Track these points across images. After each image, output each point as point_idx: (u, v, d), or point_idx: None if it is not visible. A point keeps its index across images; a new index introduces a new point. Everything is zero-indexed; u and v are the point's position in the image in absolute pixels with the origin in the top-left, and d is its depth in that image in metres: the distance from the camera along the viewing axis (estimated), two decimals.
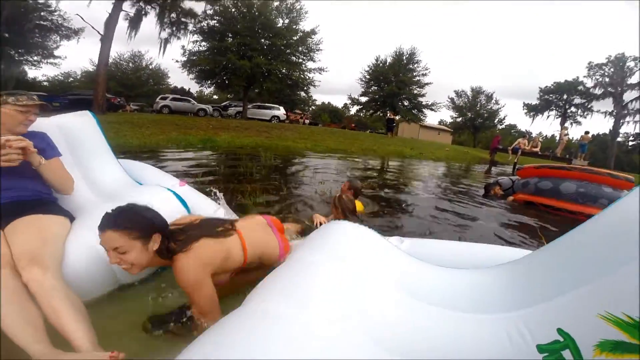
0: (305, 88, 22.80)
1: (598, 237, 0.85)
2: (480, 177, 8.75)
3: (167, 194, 1.81)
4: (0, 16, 13.90)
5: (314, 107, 46.21)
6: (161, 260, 1.22)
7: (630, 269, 0.72)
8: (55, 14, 19.80)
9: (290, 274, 0.93)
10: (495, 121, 36.63)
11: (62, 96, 17.91)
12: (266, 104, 22.32)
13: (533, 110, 33.14)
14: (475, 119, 36.05)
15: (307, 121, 27.23)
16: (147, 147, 7.16)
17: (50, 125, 1.80)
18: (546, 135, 43.49)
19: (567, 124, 29.63)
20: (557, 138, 16.66)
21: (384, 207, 3.90)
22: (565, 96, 31.29)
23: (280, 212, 3.14)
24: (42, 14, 19.21)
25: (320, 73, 21.66)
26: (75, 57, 53.36)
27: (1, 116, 1.42)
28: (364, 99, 29.85)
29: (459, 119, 38.03)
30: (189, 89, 38.69)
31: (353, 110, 36.09)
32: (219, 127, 11.85)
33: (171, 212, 1.65)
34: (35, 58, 22.02)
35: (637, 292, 0.68)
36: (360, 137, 16.23)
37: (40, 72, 43.77)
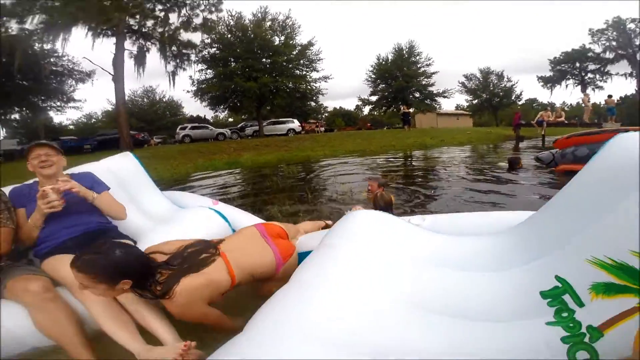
0: (314, 98, 23.16)
1: (583, 190, 0.97)
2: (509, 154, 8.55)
3: (209, 212, 2.04)
4: (14, 66, 14.35)
5: (326, 114, 46.50)
6: None
7: (612, 214, 0.82)
8: (64, 59, 20.13)
9: (317, 255, 1.15)
10: (513, 98, 35.35)
11: (92, 138, 19.16)
12: (280, 119, 22.76)
13: (549, 82, 31.85)
14: (492, 99, 34.99)
15: (322, 129, 27.44)
16: (179, 177, 7.54)
17: (100, 167, 2.09)
18: (571, 104, 41.45)
19: (588, 91, 28.27)
20: (583, 105, 15.92)
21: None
22: (577, 64, 30.01)
23: (307, 215, 3.29)
24: (51, 60, 19.40)
25: (325, 81, 22.00)
26: (93, 99, 55.74)
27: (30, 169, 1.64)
28: (374, 98, 29.88)
29: (475, 101, 37.06)
30: (205, 115, 39.98)
31: (366, 110, 36.10)
32: (241, 149, 12.25)
33: (216, 227, 1.92)
34: (58, 103, 22.66)
35: (619, 235, 0.77)
36: (377, 135, 16.22)
37: (64, 116, 46.31)
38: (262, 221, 2.09)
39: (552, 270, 0.87)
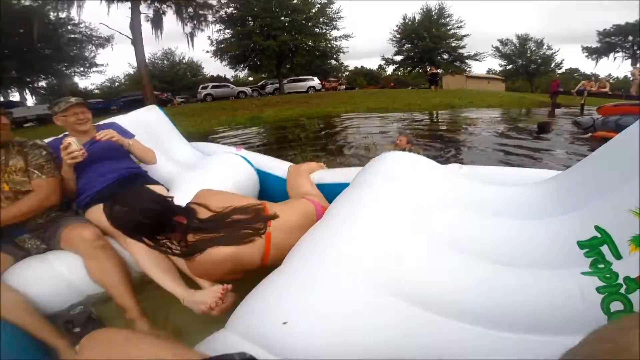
0: (334, 56, 22.72)
1: (630, 143, 0.89)
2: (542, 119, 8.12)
3: (235, 157, 2.10)
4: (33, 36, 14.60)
5: (347, 73, 44.79)
6: None
7: None
8: (82, 25, 19.95)
9: (351, 191, 1.16)
10: (552, 66, 32.49)
11: (117, 100, 19.88)
12: (300, 77, 22.49)
13: (594, 53, 28.97)
14: (528, 66, 32.29)
15: (343, 87, 26.75)
16: (205, 131, 7.68)
17: (128, 119, 2.14)
18: (617, 77, 37.74)
19: (639, 65, 25.59)
20: (631, 78, 14.52)
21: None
22: (630, 37, 26.76)
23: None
24: (69, 27, 19.42)
25: (346, 39, 21.40)
26: (115, 63, 56.28)
27: (61, 124, 1.70)
28: (398, 58, 28.64)
29: (509, 67, 34.38)
30: (225, 75, 39.37)
31: (389, 70, 34.49)
32: (262, 105, 12.23)
33: (243, 172, 1.99)
34: (81, 69, 22.86)
35: None
36: (402, 94, 15.49)
37: (89, 81, 47.05)
38: (288, 164, 2.07)
39: (592, 220, 0.83)
